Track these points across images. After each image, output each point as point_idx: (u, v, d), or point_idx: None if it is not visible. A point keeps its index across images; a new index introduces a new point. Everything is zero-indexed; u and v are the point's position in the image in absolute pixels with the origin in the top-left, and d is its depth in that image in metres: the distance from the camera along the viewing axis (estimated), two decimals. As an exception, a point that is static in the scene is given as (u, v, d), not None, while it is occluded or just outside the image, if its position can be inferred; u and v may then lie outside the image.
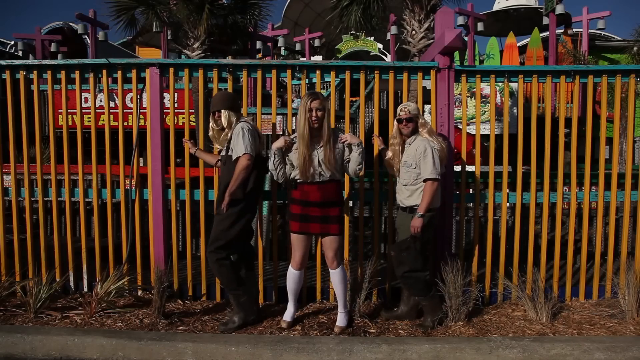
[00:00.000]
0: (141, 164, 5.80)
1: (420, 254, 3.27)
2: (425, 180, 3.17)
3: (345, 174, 3.34)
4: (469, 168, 3.95)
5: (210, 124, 3.36)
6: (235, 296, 3.32)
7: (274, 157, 3.20)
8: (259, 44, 12.11)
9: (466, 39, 11.42)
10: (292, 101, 3.80)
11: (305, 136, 3.09)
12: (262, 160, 3.35)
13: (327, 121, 3.14)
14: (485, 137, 9.31)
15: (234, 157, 3.16)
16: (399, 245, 3.31)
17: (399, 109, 3.34)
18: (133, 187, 3.85)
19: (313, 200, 3.17)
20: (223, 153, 3.35)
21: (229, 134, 3.25)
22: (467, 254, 3.89)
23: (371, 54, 15.56)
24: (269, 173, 3.29)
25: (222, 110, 3.25)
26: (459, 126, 7.33)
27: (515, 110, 9.45)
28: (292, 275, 3.31)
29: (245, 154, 3.10)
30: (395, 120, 3.39)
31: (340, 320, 3.30)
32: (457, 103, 8.92)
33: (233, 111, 3.27)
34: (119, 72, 3.75)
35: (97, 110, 4.05)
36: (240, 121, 3.24)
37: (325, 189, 3.17)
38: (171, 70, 3.77)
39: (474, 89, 6.26)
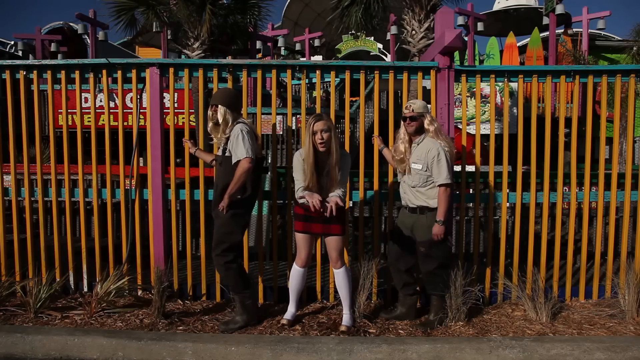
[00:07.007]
0: (141, 164, 5.80)
1: (450, 250, 3.28)
2: (439, 186, 3.14)
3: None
4: (469, 168, 3.95)
5: (208, 116, 3.34)
6: (242, 298, 3.32)
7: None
8: (259, 44, 12.11)
9: (466, 39, 11.43)
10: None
11: (310, 161, 3.04)
12: (260, 161, 3.35)
13: (335, 143, 3.04)
14: (485, 137, 9.30)
15: (234, 160, 3.15)
16: (429, 242, 3.23)
17: (404, 106, 3.29)
18: (133, 187, 3.85)
19: (315, 216, 3.14)
20: (219, 153, 3.34)
21: (227, 134, 3.25)
22: (467, 254, 3.89)
23: (371, 54, 15.58)
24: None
25: (219, 106, 3.23)
26: (459, 126, 7.32)
27: (515, 110, 9.45)
28: (296, 272, 3.32)
29: (246, 157, 3.09)
30: (402, 118, 3.34)
31: (346, 320, 3.27)
32: (457, 103, 8.92)
33: (230, 110, 3.24)
34: (119, 72, 3.75)
35: (97, 110, 4.06)
36: (238, 122, 3.22)
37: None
38: (171, 70, 3.77)
39: (474, 89, 6.25)
